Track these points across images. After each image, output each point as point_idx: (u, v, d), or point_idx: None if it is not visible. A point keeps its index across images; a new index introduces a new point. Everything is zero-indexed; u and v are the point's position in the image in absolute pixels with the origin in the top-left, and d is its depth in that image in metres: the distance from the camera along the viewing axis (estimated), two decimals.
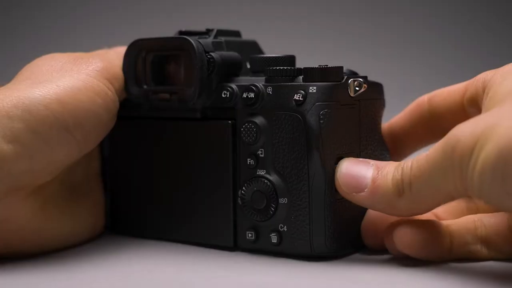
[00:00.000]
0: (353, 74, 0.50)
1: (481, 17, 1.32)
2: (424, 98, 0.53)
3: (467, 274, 0.44)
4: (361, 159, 0.47)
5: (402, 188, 0.44)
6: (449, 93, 0.51)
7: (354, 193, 0.46)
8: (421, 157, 0.43)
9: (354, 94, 0.48)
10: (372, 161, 0.46)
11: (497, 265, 0.46)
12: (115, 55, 0.53)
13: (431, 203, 0.44)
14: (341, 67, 0.48)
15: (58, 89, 0.48)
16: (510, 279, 0.42)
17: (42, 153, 0.47)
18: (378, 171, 0.45)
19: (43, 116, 0.46)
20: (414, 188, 0.43)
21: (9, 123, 0.46)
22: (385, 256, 0.48)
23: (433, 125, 0.52)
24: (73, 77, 0.49)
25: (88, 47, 0.56)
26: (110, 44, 0.55)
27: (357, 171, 0.46)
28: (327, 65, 0.48)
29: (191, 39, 0.50)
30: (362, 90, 0.48)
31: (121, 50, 0.54)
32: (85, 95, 0.48)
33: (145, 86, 0.52)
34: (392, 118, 0.54)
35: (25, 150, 0.46)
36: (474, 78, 0.49)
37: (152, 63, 0.52)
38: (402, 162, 0.45)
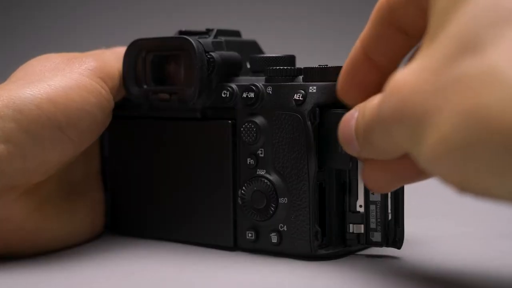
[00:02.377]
0: None
1: None
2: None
3: (467, 275, 0.44)
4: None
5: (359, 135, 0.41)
6: None
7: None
8: (371, 104, 0.39)
9: None
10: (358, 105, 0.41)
11: (497, 266, 0.46)
12: (112, 55, 0.53)
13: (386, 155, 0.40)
14: (341, 67, 0.48)
15: (49, 88, 0.48)
16: None
17: (35, 152, 0.47)
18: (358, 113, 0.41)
19: (35, 116, 0.46)
20: (366, 139, 0.40)
21: (0, 123, 0.46)
22: (385, 256, 0.48)
23: (399, 23, 0.42)
24: (66, 76, 0.49)
25: (88, 47, 0.56)
26: (110, 44, 0.55)
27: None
28: (327, 65, 0.48)
29: (191, 39, 0.50)
30: None
31: (118, 50, 0.54)
32: (77, 94, 0.48)
33: (145, 86, 0.52)
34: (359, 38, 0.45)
35: (17, 149, 0.46)
36: None
37: (152, 63, 0.52)
38: (363, 104, 0.41)
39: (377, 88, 0.41)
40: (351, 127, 0.41)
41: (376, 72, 0.43)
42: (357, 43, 0.44)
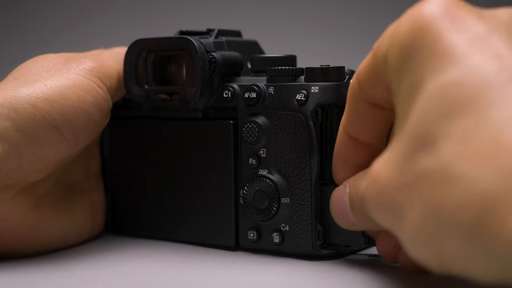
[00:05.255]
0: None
1: None
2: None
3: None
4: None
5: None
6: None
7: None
8: (362, 185, 0.40)
9: None
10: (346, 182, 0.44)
11: None
12: (109, 56, 0.53)
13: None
14: (343, 67, 0.48)
15: (45, 87, 0.48)
16: None
17: (30, 151, 0.47)
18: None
19: (30, 115, 0.46)
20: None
21: None
22: None
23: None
24: (62, 76, 0.49)
25: (88, 47, 0.56)
26: (110, 44, 0.55)
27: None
28: (328, 65, 0.48)
29: (192, 39, 0.50)
30: None
31: (116, 50, 0.54)
32: (73, 93, 0.48)
33: (146, 86, 0.52)
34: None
35: (12, 148, 0.46)
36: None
37: (153, 63, 0.52)
38: (353, 179, 0.43)
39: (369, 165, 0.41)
40: (345, 203, 0.43)
41: (366, 151, 0.44)
42: (340, 128, 0.44)
